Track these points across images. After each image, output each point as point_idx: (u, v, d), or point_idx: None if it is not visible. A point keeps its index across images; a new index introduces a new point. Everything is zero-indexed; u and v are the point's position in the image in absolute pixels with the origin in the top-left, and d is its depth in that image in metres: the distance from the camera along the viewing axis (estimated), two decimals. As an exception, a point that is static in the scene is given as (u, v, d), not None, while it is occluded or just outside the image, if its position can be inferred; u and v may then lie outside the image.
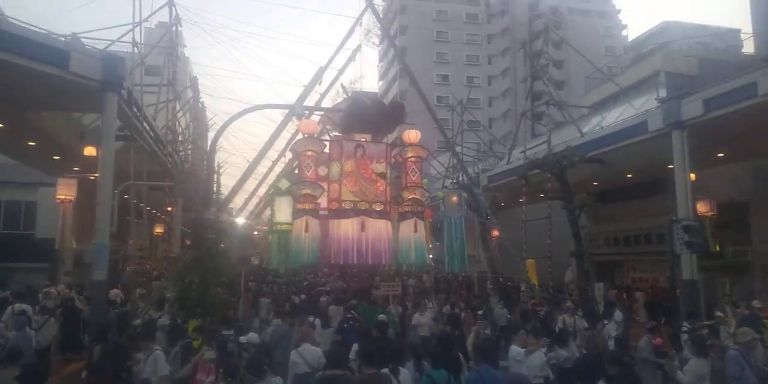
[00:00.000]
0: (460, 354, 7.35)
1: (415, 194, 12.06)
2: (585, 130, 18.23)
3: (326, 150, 11.88)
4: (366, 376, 5.61)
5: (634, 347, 11.27)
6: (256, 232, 23.95)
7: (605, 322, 10.30)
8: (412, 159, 12.17)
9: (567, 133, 19.62)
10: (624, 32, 60.73)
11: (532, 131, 54.25)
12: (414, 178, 12.18)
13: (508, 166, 21.06)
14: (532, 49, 31.86)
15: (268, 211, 21.54)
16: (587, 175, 17.77)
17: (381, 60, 66.96)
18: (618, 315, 12.17)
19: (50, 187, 21.06)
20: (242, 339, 7.93)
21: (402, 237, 11.96)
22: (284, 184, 13.05)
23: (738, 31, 35.58)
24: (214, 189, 18.27)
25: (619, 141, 14.73)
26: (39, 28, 8.85)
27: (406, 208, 12.06)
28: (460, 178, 20.54)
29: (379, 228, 11.94)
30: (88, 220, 15.15)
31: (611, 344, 9.85)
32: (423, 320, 11.57)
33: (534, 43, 40.53)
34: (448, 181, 23.66)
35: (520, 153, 19.49)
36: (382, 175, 12.26)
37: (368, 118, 9.26)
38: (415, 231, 12.07)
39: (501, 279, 20.34)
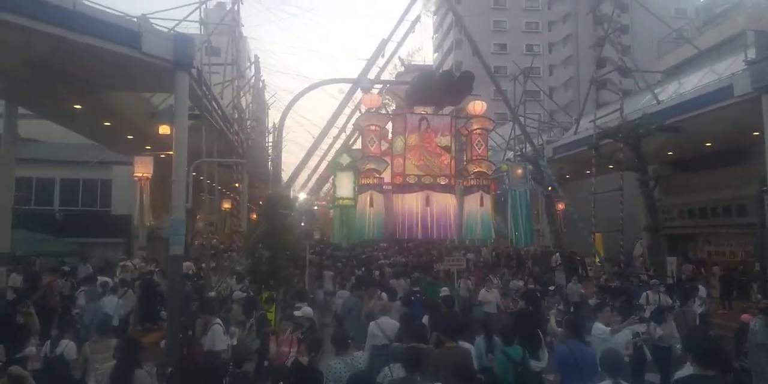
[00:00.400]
0: (539, 331, 7.26)
1: (480, 167, 11.72)
2: (661, 97, 17.15)
3: (388, 126, 11.73)
4: (447, 349, 5.70)
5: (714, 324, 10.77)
6: (315, 207, 24.34)
7: (695, 299, 9.75)
8: (478, 131, 11.78)
9: (637, 101, 18.57)
10: (696, -9, 56.26)
11: (596, 100, 51.84)
12: (480, 151, 11.81)
13: (576, 136, 20.20)
14: (598, 12, 30.18)
15: (326, 187, 21.86)
16: (661, 144, 16.79)
17: (436, 31, 65.51)
18: (702, 291, 11.58)
19: (124, 166, 22.12)
20: (297, 313, 7.97)
21: (468, 211, 11.73)
22: (345, 159, 13.01)
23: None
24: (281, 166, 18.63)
25: (701, 107, 13.73)
26: (112, 9, 9.08)
27: (472, 182, 11.78)
28: (524, 150, 19.95)
29: (444, 202, 11.74)
30: (160, 197, 15.82)
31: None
32: (490, 297, 11.36)
33: (599, 7, 38.33)
34: (509, 154, 23.03)
35: (589, 122, 18.62)
36: (447, 149, 11.97)
37: (437, 90, 8.98)
38: (482, 205, 11.81)
39: (568, 253, 19.82)
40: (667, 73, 20.93)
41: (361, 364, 5.29)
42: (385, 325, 7.88)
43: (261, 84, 23.68)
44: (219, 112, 13.01)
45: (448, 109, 12.22)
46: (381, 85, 14.05)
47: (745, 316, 8.89)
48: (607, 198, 18.68)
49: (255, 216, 30.32)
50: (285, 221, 10.06)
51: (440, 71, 8.79)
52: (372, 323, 7.90)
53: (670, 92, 16.92)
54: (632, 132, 14.54)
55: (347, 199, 12.41)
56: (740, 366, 7.29)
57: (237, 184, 20.44)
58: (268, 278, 12.59)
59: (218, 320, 7.43)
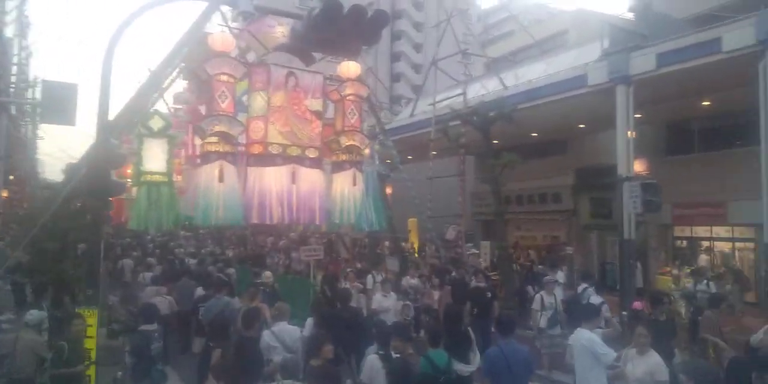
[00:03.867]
0: (468, 329, 6.35)
1: (353, 141, 10.02)
2: (490, 85, 17.41)
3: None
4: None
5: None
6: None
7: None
8: (351, 97, 10.04)
9: (474, 88, 18.68)
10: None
11: (390, 92, 53.98)
12: (353, 121, 10.09)
13: (413, 118, 19.62)
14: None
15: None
16: (493, 132, 17.00)
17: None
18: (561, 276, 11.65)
19: None
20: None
21: (341, 192, 9.89)
22: (156, 122, 10.09)
23: None
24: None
25: (549, 95, 13.94)
26: None
27: (343, 157, 10.00)
28: (361, 129, 18.65)
29: (313, 180, 9.76)
30: None
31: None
32: (387, 303, 9.08)
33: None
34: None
35: (429, 105, 18.11)
36: (318, 114, 9.96)
37: (341, 29, 6.85)
38: (354, 184, 10.11)
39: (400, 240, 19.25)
40: (495, 64, 21.65)
41: None
42: (284, 334, 6.23)
43: (25, 20, 17.96)
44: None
45: (315, 67, 10.20)
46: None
47: (636, 304, 8.84)
48: (426, 184, 18.49)
49: (6, 194, 23.86)
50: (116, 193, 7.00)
51: (350, 5, 6.68)
52: (266, 333, 6.28)
53: (510, 81, 17.14)
54: (483, 116, 14.24)
55: (159, 173, 9.66)
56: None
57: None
58: (52, 278, 9.05)
59: None
